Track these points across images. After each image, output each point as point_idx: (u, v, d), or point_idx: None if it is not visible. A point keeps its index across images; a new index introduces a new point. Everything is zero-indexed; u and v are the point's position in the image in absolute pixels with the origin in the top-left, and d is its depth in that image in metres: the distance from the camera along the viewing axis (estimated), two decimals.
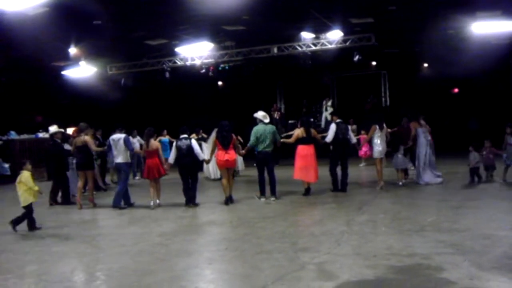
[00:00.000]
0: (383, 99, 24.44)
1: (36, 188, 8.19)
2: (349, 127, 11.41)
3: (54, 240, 7.61)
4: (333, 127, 11.07)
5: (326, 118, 20.49)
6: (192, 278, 5.42)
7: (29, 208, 8.19)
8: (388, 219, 7.96)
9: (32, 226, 8.24)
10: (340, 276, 5.12)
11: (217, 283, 5.30)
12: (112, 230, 8.39)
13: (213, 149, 10.57)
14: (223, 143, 10.17)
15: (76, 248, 7.06)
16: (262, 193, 10.57)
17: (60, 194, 11.40)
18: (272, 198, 10.37)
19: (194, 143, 10.26)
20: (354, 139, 11.69)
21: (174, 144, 10.41)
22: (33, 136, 17.93)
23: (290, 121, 19.80)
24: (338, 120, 11.24)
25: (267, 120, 10.72)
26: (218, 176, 14.67)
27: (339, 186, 11.09)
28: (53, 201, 11.17)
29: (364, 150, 15.54)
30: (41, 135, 17.89)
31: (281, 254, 6.07)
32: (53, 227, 8.73)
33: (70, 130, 11.65)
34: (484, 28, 14.10)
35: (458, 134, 21.52)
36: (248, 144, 10.60)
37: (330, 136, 11.03)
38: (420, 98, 20.82)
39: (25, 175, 8.15)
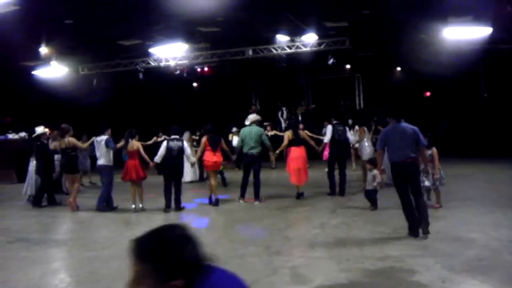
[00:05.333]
0: (357, 101, 24.67)
1: None
2: (347, 128, 11.22)
3: (23, 245, 7.41)
4: (329, 128, 10.93)
5: (281, 123, 20.77)
6: None
7: None
8: (361, 222, 8.01)
9: None
10: (313, 280, 5.11)
11: None
12: (83, 234, 8.21)
13: (202, 150, 10.45)
14: (213, 144, 10.20)
15: (46, 253, 6.88)
16: (242, 195, 10.53)
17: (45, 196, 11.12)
18: (256, 202, 10.31)
19: (186, 145, 10.16)
20: (352, 140, 11.60)
21: (164, 143, 10.06)
22: (2, 137, 17.48)
23: (265, 123, 19.79)
24: (335, 122, 11.05)
25: (247, 122, 10.73)
26: (197, 178, 14.56)
27: (337, 190, 10.84)
28: (37, 204, 10.79)
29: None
30: (10, 136, 17.45)
31: (255, 258, 6.03)
32: (23, 231, 8.52)
33: (39, 130, 11.32)
34: (456, 33, 14.34)
35: (429, 137, 21.85)
36: (235, 147, 10.58)
37: (328, 136, 10.82)
38: (393, 101, 21.07)
39: None
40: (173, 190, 9.91)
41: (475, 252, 5.88)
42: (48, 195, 11.14)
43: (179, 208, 9.86)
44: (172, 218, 9.33)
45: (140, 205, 9.98)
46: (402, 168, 6.89)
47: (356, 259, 5.77)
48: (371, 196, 9.03)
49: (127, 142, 10.09)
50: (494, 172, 13.80)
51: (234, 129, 16.00)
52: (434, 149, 8.78)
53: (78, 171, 10.96)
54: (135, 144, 10.03)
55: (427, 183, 8.72)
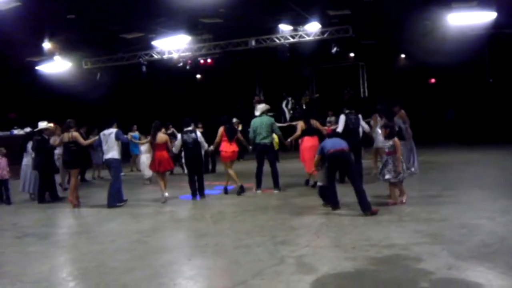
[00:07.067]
0: (362, 90, 24.57)
1: None
2: (360, 116, 10.95)
3: (30, 240, 7.47)
4: (342, 118, 10.73)
5: (285, 113, 20.72)
6: (171, 275, 5.36)
7: None
8: None
9: None
10: (319, 268, 5.11)
11: (196, 279, 5.24)
12: (90, 228, 8.26)
13: (218, 141, 10.59)
14: (229, 135, 10.40)
15: (53, 247, 6.93)
16: (258, 185, 10.60)
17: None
18: (275, 191, 10.43)
19: (199, 135, 10.32)
20: (367, 128, 11.18)
21: (179, 137, 10.39)
22: (7, 133, 17.55)
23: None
24: (347, 111, 10.89)
25: (257, 113, 10.80)
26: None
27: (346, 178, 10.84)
28: (42, 201, 10.85)
29: None
30: (16, 131, 17.52)
31: (261, 248, 6.04)
32: (29, 226, 8.58)
33: (42, 125, 11.26)
34: (460, 19, 14.24)
35: (434, 125, 21.80)
36: (249, 137, 10.77)
37: (340, 127, 10.59)
38: (398, 88, 20.99)
39: None
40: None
41: (482, 238, 5.85)
42: (50, 190, 11.17)
43: (202, 195, 10.22)
44: (177, 210, 9.36)
45: (166, 194, 10.19)
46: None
47: (362, 248, 5.76)
48: (328, 192, 8.20)
49: (154, 135, 10.23)
50: (501, 158, 13.74)
51: (235, 120, 16.04)
52: (396, 140, 8.16)
53: (78, 166, 10.71)
54: (163, 137, 10.31)
55: (387, 176, 8.19)
